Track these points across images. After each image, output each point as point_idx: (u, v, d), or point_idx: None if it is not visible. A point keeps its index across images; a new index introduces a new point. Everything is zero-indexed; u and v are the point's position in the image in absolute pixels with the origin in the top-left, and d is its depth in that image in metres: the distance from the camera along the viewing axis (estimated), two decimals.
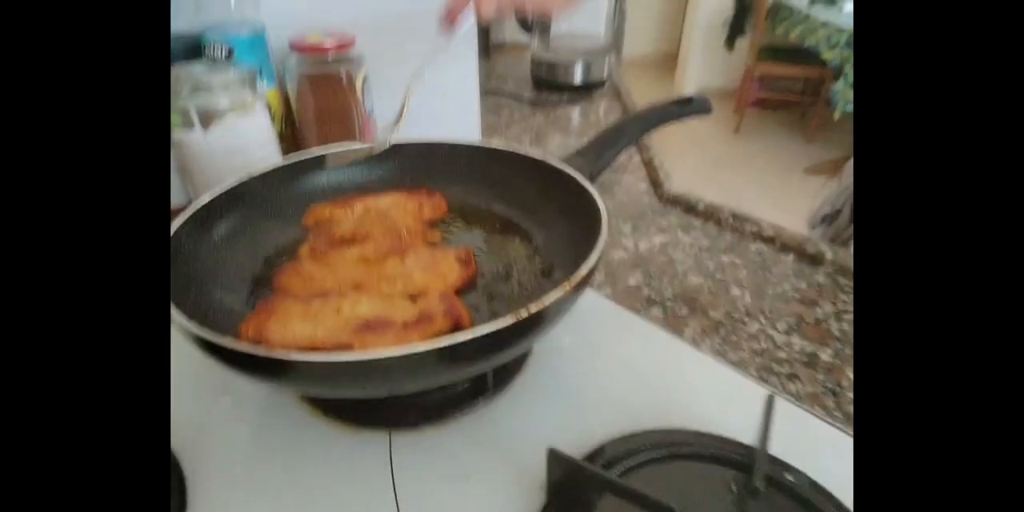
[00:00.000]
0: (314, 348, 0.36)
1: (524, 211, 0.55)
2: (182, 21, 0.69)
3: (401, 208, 0.54)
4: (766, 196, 2.83)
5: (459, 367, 0.33)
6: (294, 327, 0.36)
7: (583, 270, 0.36)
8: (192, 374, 0.43)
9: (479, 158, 0.56)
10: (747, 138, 3.48)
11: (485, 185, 0.57)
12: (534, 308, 0.32)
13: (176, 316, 0.32)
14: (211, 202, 0.45)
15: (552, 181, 0.51)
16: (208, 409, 0.43)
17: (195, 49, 0.66)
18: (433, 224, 0.55)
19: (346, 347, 0.35)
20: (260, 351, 0.29)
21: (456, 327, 0.38)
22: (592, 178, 0.52)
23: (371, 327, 0.36)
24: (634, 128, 0.57)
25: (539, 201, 0.53)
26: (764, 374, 0.49)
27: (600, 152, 0.55)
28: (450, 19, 0.47)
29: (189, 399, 0.43)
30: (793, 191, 2.87)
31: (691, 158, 3.17)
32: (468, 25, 0.48)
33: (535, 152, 0.54)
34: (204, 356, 0.32)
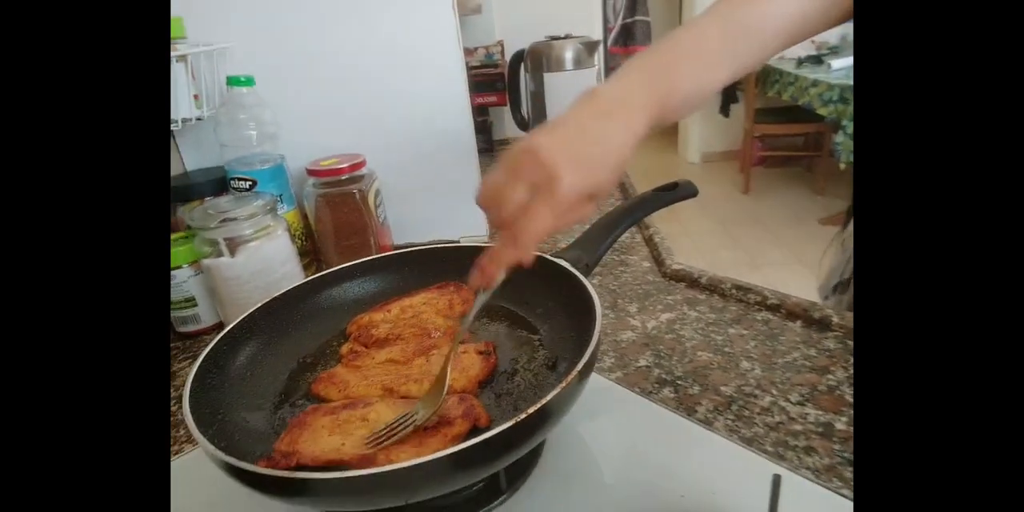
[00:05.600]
0: (341, 461, 0.38)
1: (527, 305, 0.58)
2: (209, 158, 0.77)
3: (433, 305, 0.58)
4: (787, 252, 2.83)
5: (469, 471, 0.35)
6: (323, 441, 0.39)
7: (579, 366, 0.38)
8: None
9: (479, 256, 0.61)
10: (757, 197, 3.53)
11: None
12: (532, 409, 0.34)
13: (204, 444, 0.35)
14: (230, 334, 0.49)
15: (550, 275, 0.55)
16: None
17: (221, 182, 0.74)
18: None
19: (370, 458, 0.37)
20: (274, 473, 0.32)
21: (474, 428, 0.40)
22: (589, 269, 0.56)
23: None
24: (625, 218, 0.61)
25: (540, 295, 0.56)
26: (780, 449, 0.49)
27: (594, 244, 0.58)
28: (486, 282, 0.42)
29: None
30: (811, 243, 2.87)
31: (705, 222, 3.20)
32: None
33: None
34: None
